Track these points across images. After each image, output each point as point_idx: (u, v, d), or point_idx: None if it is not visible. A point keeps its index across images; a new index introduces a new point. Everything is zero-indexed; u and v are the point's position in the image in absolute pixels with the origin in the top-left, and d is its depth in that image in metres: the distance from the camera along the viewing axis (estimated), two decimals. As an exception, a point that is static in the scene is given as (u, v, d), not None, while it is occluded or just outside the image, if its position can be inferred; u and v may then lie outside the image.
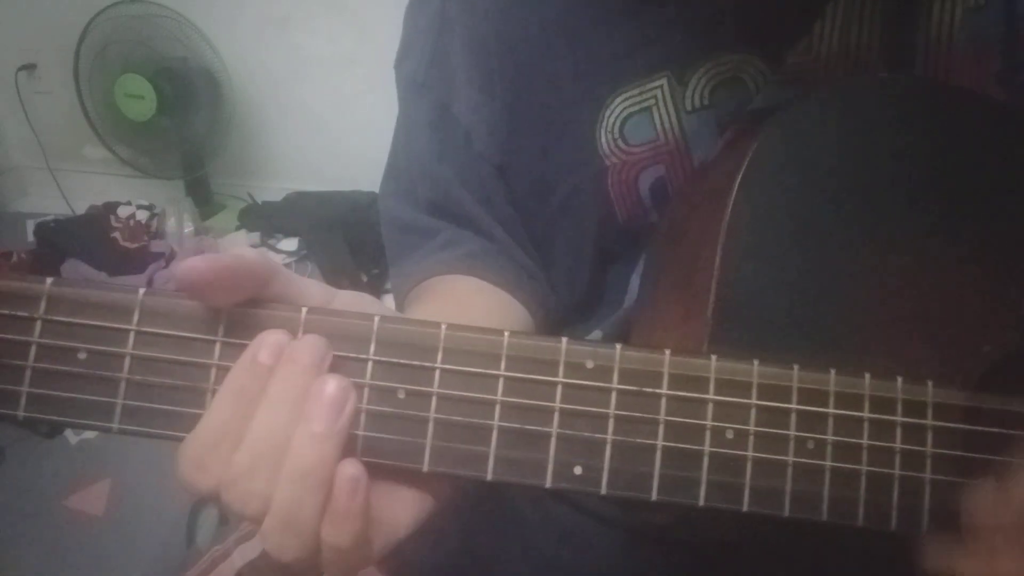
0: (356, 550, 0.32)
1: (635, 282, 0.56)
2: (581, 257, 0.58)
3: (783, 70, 0.48)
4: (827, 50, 0.47)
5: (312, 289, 0.35)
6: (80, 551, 1.36)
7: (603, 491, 0.34)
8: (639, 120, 0.52)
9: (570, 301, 0.60)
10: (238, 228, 2.21)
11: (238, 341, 0.33)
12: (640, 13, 0.51)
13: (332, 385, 0.32)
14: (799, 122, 0.41)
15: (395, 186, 0.63)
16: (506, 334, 0.34)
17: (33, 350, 0.33)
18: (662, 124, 0.51)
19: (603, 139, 0.53)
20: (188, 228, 2.17)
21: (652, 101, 0.51)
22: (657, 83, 0.51)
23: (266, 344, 0.32)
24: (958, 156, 0.41)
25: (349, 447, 0.33)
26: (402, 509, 0.35)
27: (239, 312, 0.33)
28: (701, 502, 0.35)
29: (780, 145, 0.41)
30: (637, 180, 0.53)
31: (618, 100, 0.52)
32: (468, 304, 0.55)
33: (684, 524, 0.49)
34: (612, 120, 0.52)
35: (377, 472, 0.33)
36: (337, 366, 0.33)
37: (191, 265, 0.32)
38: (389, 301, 0.63)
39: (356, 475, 0.31)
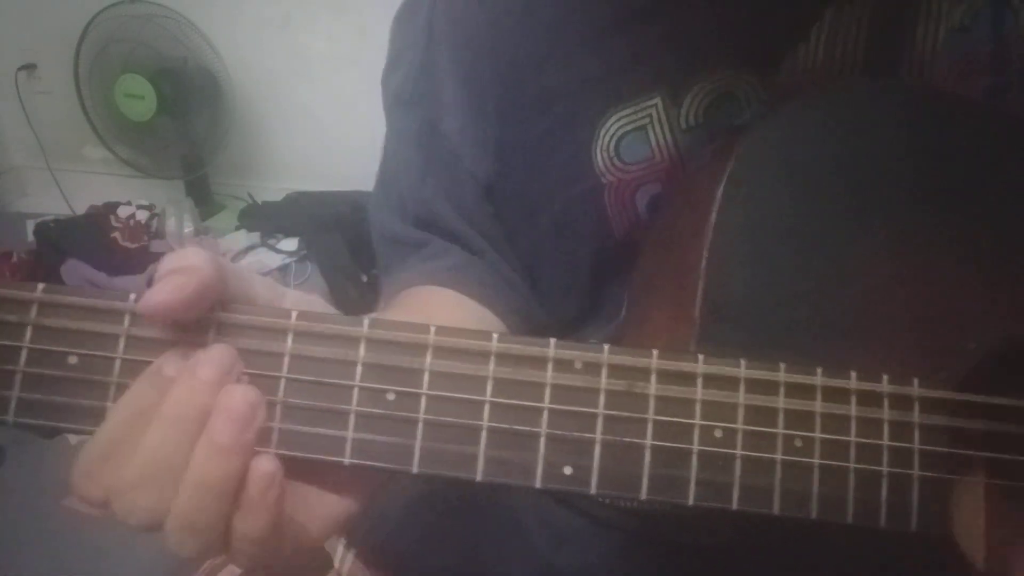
0: (266, 542, 0.32)
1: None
2: (576, 273, 0.58)
3: (769, 87, 0.49)
4: (813, 67, 0.48)
5: (259, 288, 0.35)
6: (80, 551, 1.36)
7: (593, 490, 0.34)
8: (634, 139, 0.52)
9: (563, 317, 0.60)
10: (238, 228, 2.22)
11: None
12: (629, 31, 0.51)
13: (238, 398, 0.31)
14: (783, 124, 0.41)
15: (385, 199, 0.63)
16: (495, 335, 0.34)
17: (24, 355, 0.33)
18: (658, 143, 0.51)
19: (599, 157, 0.53)
20: (188, 228, 2.17)
21: (647, 120, 0.51)
22: (651, 102, 0.51)
23: (170, 359, 0.32)
24: (943, 155, 0.41)
25: (340, 449, 0.33)
26: (317, 512, 0.34)
27: (229, 317, 0.34)
28: (691, 501, 0.35)
29: (764, 146, 0.41)
30: (634, 197, 0.53)
31: (613, 119, 0.52)
32: (437, 316, 0.55)
33: (683, 528, 0.49)
34: (607, 139, 0.52)
35: (295, 473, 0.33)
36: (325, 369, 0.34)
37: (154, 301, 0.31)
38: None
39: (271, 471, 0.31)
